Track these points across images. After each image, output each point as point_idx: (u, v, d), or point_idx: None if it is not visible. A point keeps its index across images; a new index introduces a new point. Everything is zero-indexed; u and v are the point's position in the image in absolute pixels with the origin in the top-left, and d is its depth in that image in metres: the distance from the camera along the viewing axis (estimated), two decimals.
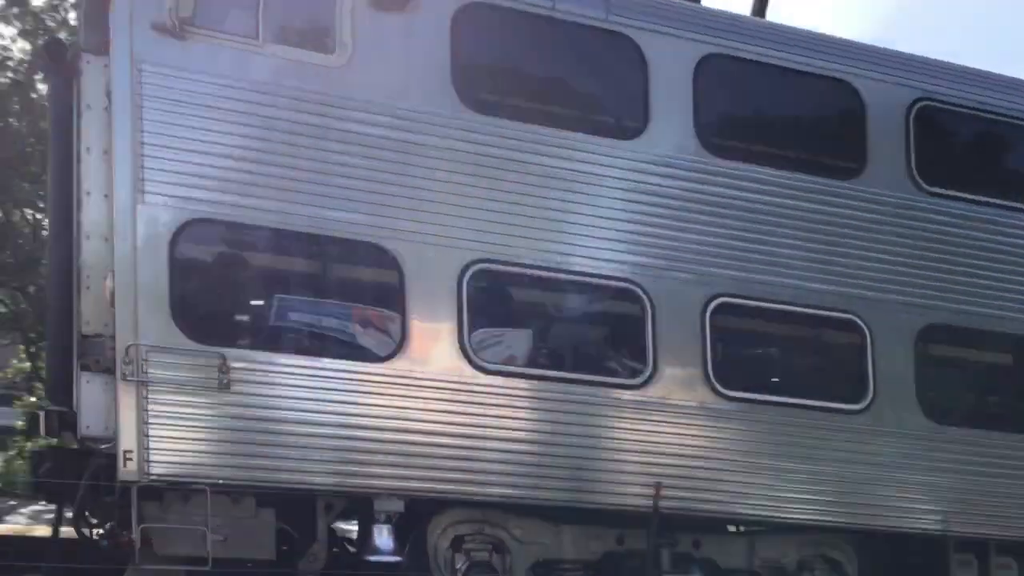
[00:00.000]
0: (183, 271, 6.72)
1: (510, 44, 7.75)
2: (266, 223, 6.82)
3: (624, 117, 7.95)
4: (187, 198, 6.68)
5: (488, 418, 7.14)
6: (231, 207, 6.77)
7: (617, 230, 7.64)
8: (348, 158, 6.98)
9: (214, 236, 6.95)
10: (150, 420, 6.52)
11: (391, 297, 7.07)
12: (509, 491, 7.20)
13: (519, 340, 7.55)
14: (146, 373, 6.53)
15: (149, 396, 6.53)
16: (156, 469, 6.51)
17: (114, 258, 6.60)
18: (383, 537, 7.02)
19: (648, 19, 7.84)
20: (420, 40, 7.23)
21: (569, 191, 7.49)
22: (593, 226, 7.55)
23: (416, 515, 7.18)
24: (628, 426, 7.48)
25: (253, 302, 7.19)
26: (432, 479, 7.01)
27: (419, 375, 7.01)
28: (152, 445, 6.51)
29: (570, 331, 7.98)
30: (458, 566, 7.24)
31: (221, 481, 6.67)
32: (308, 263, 7.22)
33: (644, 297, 7.65)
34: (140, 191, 6.61)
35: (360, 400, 6.90)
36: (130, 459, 6.46)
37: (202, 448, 6.71)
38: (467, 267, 7.16)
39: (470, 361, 7.15)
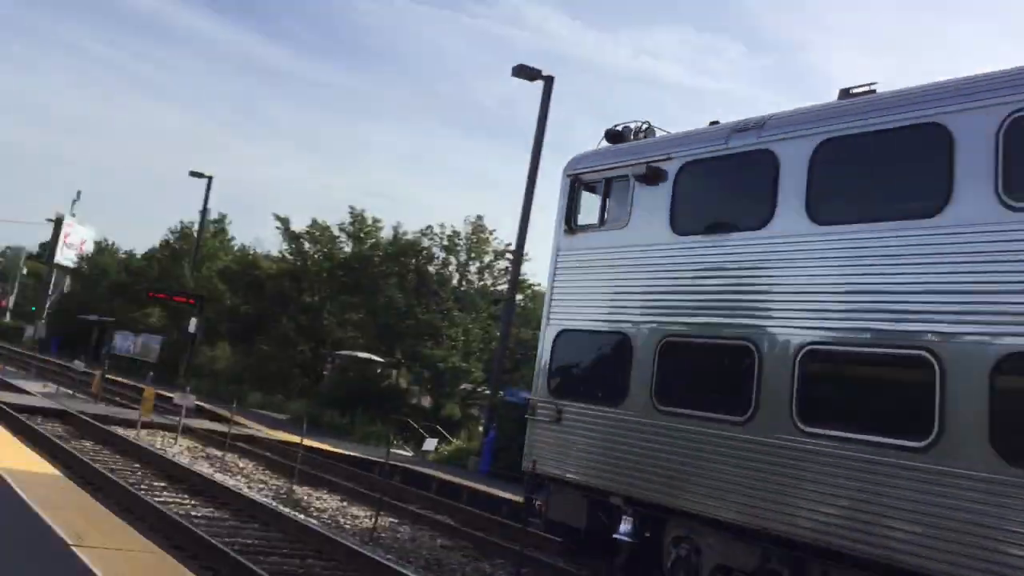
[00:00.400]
0: (556, 353, 11.98)
1: (709, 182, 10.93)
2: (595, 328, 11.62)
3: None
4: (562, 320, 12.05)
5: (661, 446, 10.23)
6: (583, 321, 11.81)
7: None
8: (627, 280, 11.31)
9: (566, 340, 11.90)
10: (533, 439, 11.88)
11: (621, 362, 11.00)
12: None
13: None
14: (535, 413, 11.96)
15: (536, 426, 11.91)
16: (531, 464, 11.73)
17: (538, 353, 12.40)
18: (625, 524, 10.59)
19: (782, 130, 9.94)
20: (658, 197, 11.04)
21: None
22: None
23: (656, 520, 10.34)
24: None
25: (572, 374, 11.98)
26: (656, 492, 10.14)
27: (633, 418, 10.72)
28: (534, 452, 11.80)
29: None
30: (671, 553, 10.14)
31: (550, 472, 11.51)
32: (602, 350, 11.64)
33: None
34: (548, 318, 12.28)
35: (611, 431, 10.86)
36: (526, 460, 11.87)
37: (545, 455, 11.63)
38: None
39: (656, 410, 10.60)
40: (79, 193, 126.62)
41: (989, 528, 7.08)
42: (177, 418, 22.44)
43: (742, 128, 10.37)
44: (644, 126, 12.27)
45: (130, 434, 20.61)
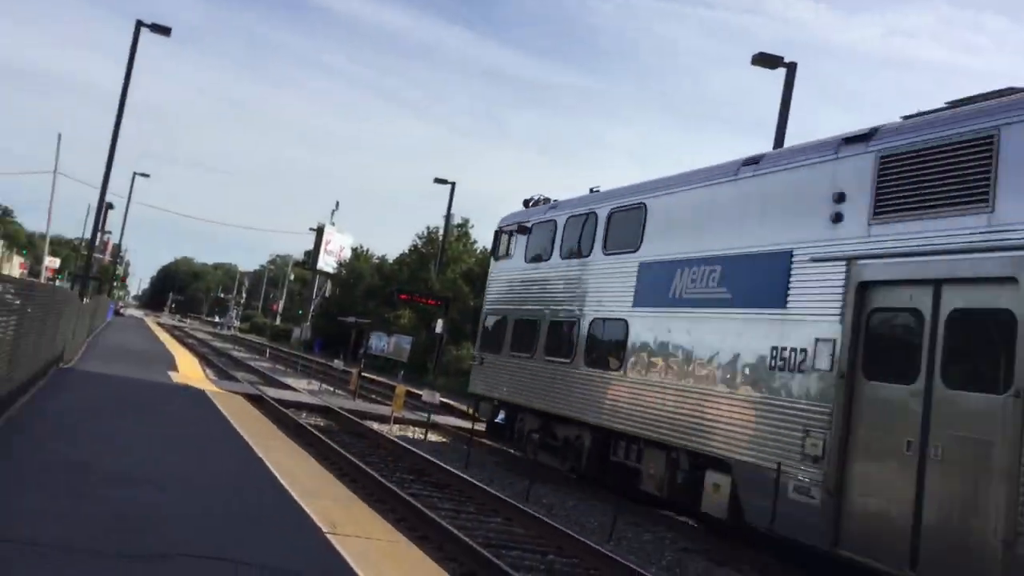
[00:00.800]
0: (485, 328, 21.45)
1: (539, 235, 19.59)
2: (499, 313, 20.66)
3: None
4: (489, 308, 21.47)
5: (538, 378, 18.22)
6: (495, 307, 21.03)
7: None
8: (527, 285, 19.80)
9: (489, 319, 21.23)
10: (473, 375, 21.60)
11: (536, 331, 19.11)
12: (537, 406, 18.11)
13: None
14: (474, 360, 22.13)
15: (474, 368, 21.89)
16: (472, 389, 21.51)
17: (479, 327, 22.34)
18: (500, 414, 20.19)
19: (560, 209, 19.31)
20: (523, 241, 20.28)
21: None
22: None
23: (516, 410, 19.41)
24: None
25: (488, 337, 21.00)
26: (517, 397, 18.93)
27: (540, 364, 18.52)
28: (473, 383, 21.42)
29: None
30: (517, 428, 19.21)
31: (479, 392, 21.21)
32: (499, 324, 20.69)
33: None
34: (484, 307, 22.01)
35: (523, 372, 18.72)
36: (470, 387, 21.63)
37: (477, 383, 21.14)
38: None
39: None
40: (337, 203, 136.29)
41: (591, 392, 15.97)
42: (425, 414, 23.39)
43: (551, 207, 19.54)
44: (543, 198, 20.48)
45: (383, 429, 21.69)
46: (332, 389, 32.82)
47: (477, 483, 15.05)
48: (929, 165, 10.07)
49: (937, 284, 9.70)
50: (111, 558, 6.56)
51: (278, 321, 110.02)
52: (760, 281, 12.09)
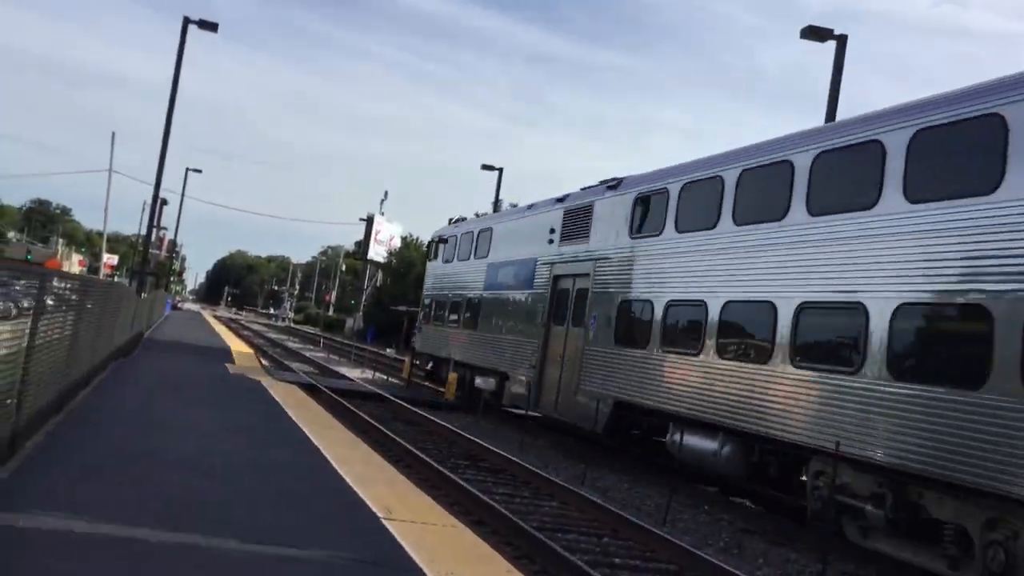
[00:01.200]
0: (423, 307, 31.74)
1: (449, 244, 29.76)
2: (433, 297, 30.23)
3: None
4: (426, 293, 31.32)
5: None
6: (431, 292, 30.64)
7: None
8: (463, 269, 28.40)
9: (428, 301, 30.68)
10: (418, 338, 31.43)
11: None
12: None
13: None
14: (416, 329, 32.52)
15: (416, 335, 31.98)
16: (414, 348, 32.01)
17: (420, 307, 33.44)
18: (430, 363, 30.09)
19: (473, 223, 29.42)
20: (442, 248, 30.46)
21: None
22: None
23: (438, 360, 29.23)
24: None
25: (426, 311, 30.71)
26: (438, 351, 28.95)
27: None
28: (415, 343, 31.96)
29: None
30: (442, 373, 28.15)
31: (419, 350, 31.17)
32: (433, 303, 30.37)
33: None
34: (424, 293, 32.03)
35: (438, 334, 29.19)
36: (413, 346, 32.35)
37: (419, 344, 31.13)
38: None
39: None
40: (386, 193, 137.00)
41: (465, 344, 26.06)
42: (478, 400, 23.42)
43: (455, 227, 29.27)
44: (461, 217, 29.62)
45: (435, 415, 21.78)
46: (385, 377, 33.07)
47: (531, 467, 15.05)
48: (576, 217, 20.11)
49: (574, 276, 19.54)
50: (165, 544, 6.65)
51: (331, 311, 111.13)
52: (525, 274, 22.37)
